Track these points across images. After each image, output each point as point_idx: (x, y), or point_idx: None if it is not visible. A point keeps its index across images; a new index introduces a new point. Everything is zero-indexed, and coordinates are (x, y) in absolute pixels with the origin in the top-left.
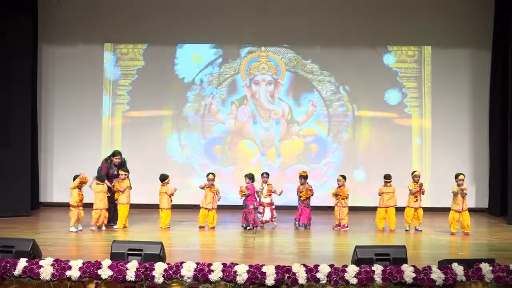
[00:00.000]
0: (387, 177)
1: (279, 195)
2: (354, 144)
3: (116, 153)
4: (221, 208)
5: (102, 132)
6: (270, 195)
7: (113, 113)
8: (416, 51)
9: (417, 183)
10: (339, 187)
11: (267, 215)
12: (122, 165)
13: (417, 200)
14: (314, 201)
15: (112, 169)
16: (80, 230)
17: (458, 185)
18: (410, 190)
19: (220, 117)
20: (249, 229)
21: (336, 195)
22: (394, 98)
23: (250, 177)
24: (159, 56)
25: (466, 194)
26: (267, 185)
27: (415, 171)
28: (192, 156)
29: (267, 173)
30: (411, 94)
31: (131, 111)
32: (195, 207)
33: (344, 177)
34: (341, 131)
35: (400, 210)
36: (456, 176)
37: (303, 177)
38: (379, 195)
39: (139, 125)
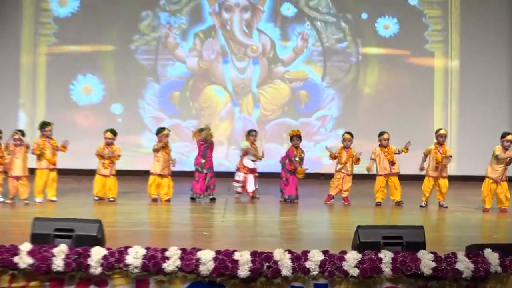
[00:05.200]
0: (383, 134)
1: (261, 159)
2: (357, 91)
3: None
4: (179, 175)
5: (20, 74)
6: (255, 160)
7: (35, 48)
8: None
9: (441, 145)
10: (344, 148)
11: (251, 185)
12: None
13: (438, 167)
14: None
15: None
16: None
17: (504, 147)
18: (424, 154)
19: (179, 54)
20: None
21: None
22: (411, 31)
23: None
24: None
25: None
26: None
27: (440, 129)
28: (142, 106)
29: (255, 131)
30: (433, 26)
31: (59, 45)
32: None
33: (351, 134)
34: (340, 74)
35: (419, 179)
36: (503, 136)
37: (297, 137)
38: (372, 160)
39: (69, 64)
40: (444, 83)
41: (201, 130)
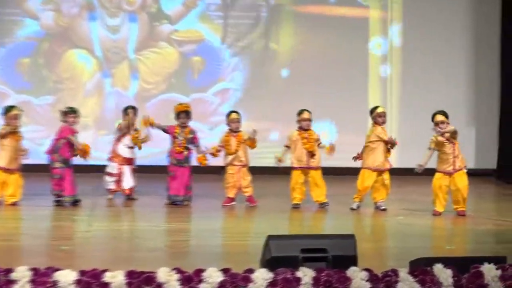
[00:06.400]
0: (301, 113)
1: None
2: (268, 57)
3: None
4: (29, 170)
5: None
6: (132, 147)
7: None
8: None
9: (379, 125)
10: (231, 132)
11: (127, 180)
12: None
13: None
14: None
15: None
16: None
17: (440, 131)
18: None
19: (29, 8)
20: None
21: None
22: None
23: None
24: None
25: (454, 138)
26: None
27: (377, 107)
28: None
29: (133, 108)
30: None
31: None
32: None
33: (239, 113)
34: (246, 34)
35: (347, 173)
36: (432, 118)
37: (185, 113)
38: (286, 147)
39: None
40: (382, 47)
41: (65, 113)
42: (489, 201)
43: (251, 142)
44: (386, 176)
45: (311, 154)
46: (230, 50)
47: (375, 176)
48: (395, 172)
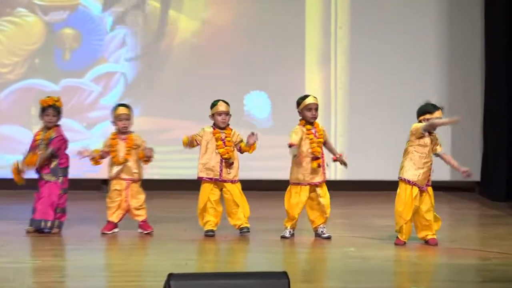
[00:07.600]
0: (216, 104)
1: None
2: (169, 27)
3: None
4: None
5: None
6: None
7: None
8: None
9: (312, 124)
10: (119, 134)
11: None
12: None
13: (317, 168)
14: (74, 169)
15: None
16: None
17: (426, 129)
18: (291, 144)
19: None
20: None
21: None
22: None
23: None
24: None
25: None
26: None
27: (307, 96)
28: None
29: None
30: None
31: None
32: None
33: (129, 107)
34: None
35: (278, 189)
36: (427, 111)
37: (53, 108)
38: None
39: None
40: (323, 17)
41: None
42: (470, 225)
43: (145, 158)
44: (321, 191)
45: (228, 162)
46: (114, 19)
47: (306, 192)
48: (339, 187)
